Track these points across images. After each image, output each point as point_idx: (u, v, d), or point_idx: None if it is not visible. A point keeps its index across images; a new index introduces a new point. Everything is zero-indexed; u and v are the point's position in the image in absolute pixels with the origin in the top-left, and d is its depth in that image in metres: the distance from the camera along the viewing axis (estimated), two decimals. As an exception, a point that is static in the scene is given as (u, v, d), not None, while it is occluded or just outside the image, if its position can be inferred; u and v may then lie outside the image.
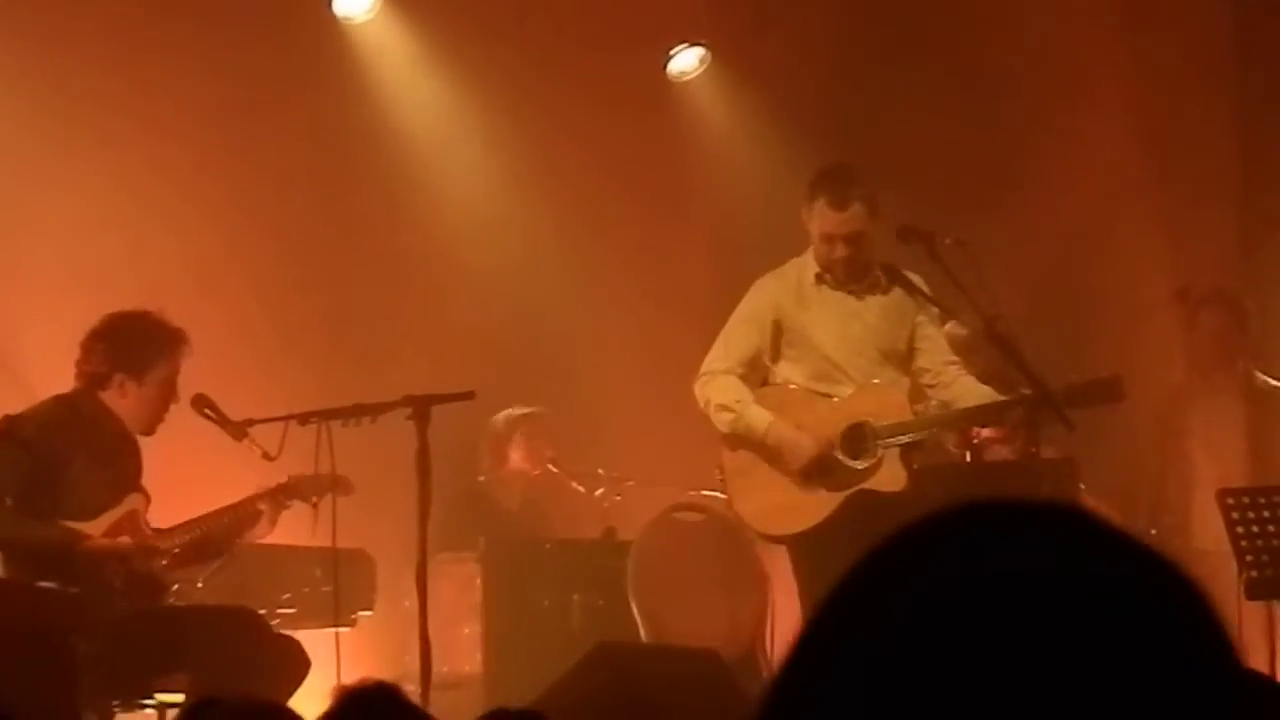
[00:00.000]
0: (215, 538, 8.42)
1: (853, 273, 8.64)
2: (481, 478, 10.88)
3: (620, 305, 11.09)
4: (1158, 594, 1.45)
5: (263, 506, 8.39)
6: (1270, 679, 3.25)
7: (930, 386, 8.67)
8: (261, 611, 8.69)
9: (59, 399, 8.29)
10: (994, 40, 11.12)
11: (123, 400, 8.28)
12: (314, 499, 8.39)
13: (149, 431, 8.37)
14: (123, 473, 8.26)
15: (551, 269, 11.28)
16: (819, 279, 8.67)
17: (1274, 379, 10.59)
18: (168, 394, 8.34)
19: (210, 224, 10.51)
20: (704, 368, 8.73)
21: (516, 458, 11.09)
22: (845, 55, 11.58)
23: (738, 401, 8.61)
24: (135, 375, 8.26)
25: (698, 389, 8.70)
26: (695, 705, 6.92)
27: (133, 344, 8.29)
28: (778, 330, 8.69)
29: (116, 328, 8.32)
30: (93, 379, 8.28)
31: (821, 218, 8.56)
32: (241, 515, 8.40)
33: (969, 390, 8.59)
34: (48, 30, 10.31)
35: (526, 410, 11.00)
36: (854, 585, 1.47)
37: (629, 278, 11.12)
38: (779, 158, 11.00)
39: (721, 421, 8.65)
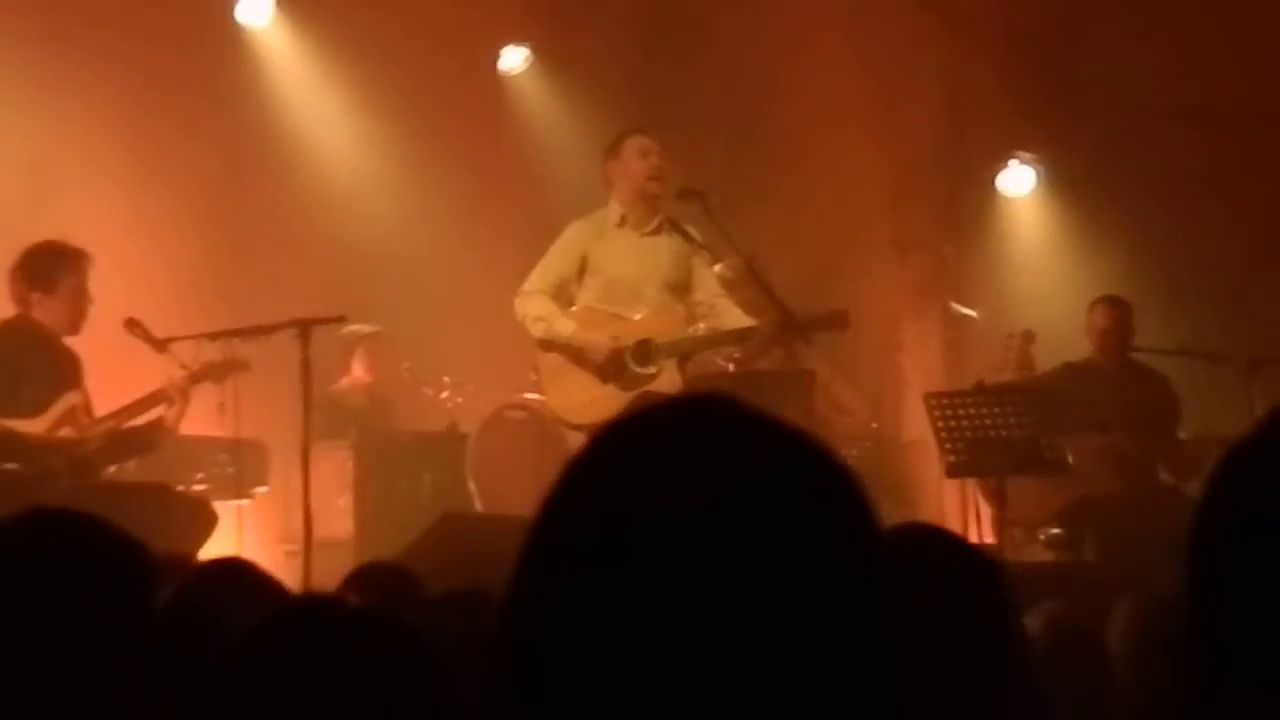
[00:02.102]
0: (141, 433, 8.36)
1: (650, 211, 8.66)
2: (331, 386, 10.63)
3: (461, 248, 11.04)
4: (805, 487, 1.37)
5: (172, 390, 8.27)
6: (952, 534, 3.30)
7: (704, 315, 8.70)
8: (180, 488, 8.69)
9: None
10: (752, 36, 11.13)
11: (44, 312, 8.16)
12: (221, 379, 8.37)
13: (73, 332, 8.22)
14: (60, 376, 8.14)
15: (408, 218, 11.20)
16: (621, 221, 8.69)
17: (966, 308, 10.76)
18: (80, 300, 8.17)
19: (142, 179, 10.35)
20: (523, 289, 8.64)
21: (359, 369, 10.91)
22: (641, 46, 11.56)
23: (550, 313, 8.59)
24: (47, 289, 8.13)
25: (517, 304, 8.61)
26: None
27: (38, 266, 8.17)
28: (583, 263, 8.69)
29: (26, 256, 8.21)
30: (20, 302, 8.18)
31: (642, 150, 8.57)
32: (155, 399, 8.29)
33: (733, 318, 8.64)
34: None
35: (368, 329, 10.80)
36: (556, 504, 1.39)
37: (473, 226, 11.06)
38: (587, 135, 10.98)
39: (536, 330, 8.59)
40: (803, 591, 1.31)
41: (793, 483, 1.36)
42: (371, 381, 10.96)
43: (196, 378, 8.30)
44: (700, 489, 1.32)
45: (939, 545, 2.99)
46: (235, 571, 3.47)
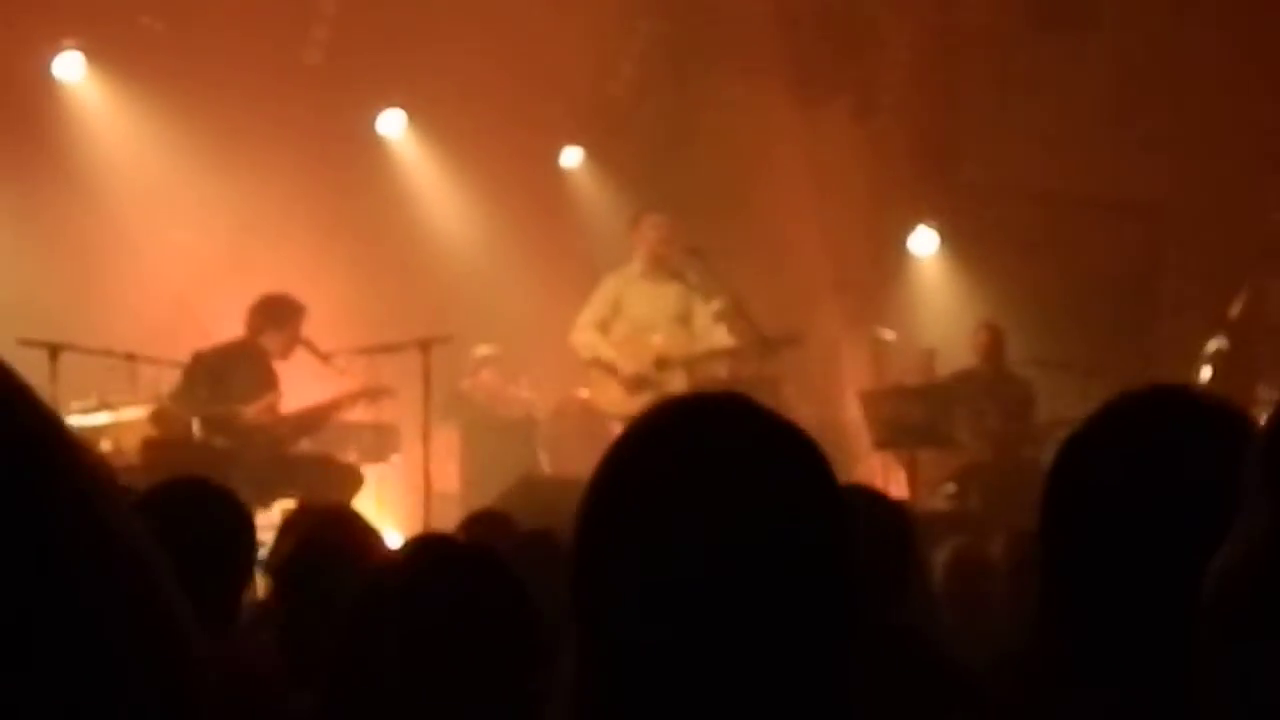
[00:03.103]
0: (320, 418, 8.35)
1: (664, 266, 8.68)
2: (463, 384, 10.59)
3: (536, 286, 10.80)
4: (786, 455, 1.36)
5: (350, 403, 8.34)
6: (876, 490, 3.30)
7: (701, 338, 8.73)
8: (338, 457, 8.70)
9: (234, 340, 8.19)
10: (734, 131, 11.03)
11: (268, 341, 8.17)
12: (373, 403, 8.42)
13: (283, 359, 8.21)
14: (266, 381, 8.17)
15: (500, 269, 10.96)
16: (641, 275, 8.73)
17: (887, 332, 10.69)
18: (295, 339, 8.20)
19: (308, 233, 10.14)
20: (576, 324, 8.79)
21: (485, 374, 10.82)
22: (656, 147, 11.46)
23: (597, 342, 8.70)
24: (278, 327, 8.14)
25: (572, 337, 8.81)
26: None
27: (277, 310, 8.16)
28: (615, 305, 8.75)
29: (269, 300, 8.20)
30: (253, 330, 8.16)
31: (654, 225, 8.62)
32: (337, 405, 8.34)
33: (720, 339, 8.69)
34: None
35: (492, 351, 10.70)
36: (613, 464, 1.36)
37: (543, 272, 10.70)
38: (621, 210, 10.87)
39: (587, 353, 8.77)
40: (799, 528, 1.30)
41: (787, 453, 1.35)
42: (491, 385, 10.85)
43: (358, 396, 8.31)
44: (718, 462, 1.31)
45: (869, 498, 3.02)
46: (347, 519, 3.48)
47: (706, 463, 1.30)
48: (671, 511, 1.28)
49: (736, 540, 1.27)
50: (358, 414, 8.74)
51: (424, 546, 2.10)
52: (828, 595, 1.30)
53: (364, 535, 3.33)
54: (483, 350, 10.65)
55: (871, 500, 3.03)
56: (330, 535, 3.22)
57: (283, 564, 3.26)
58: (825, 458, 1.39)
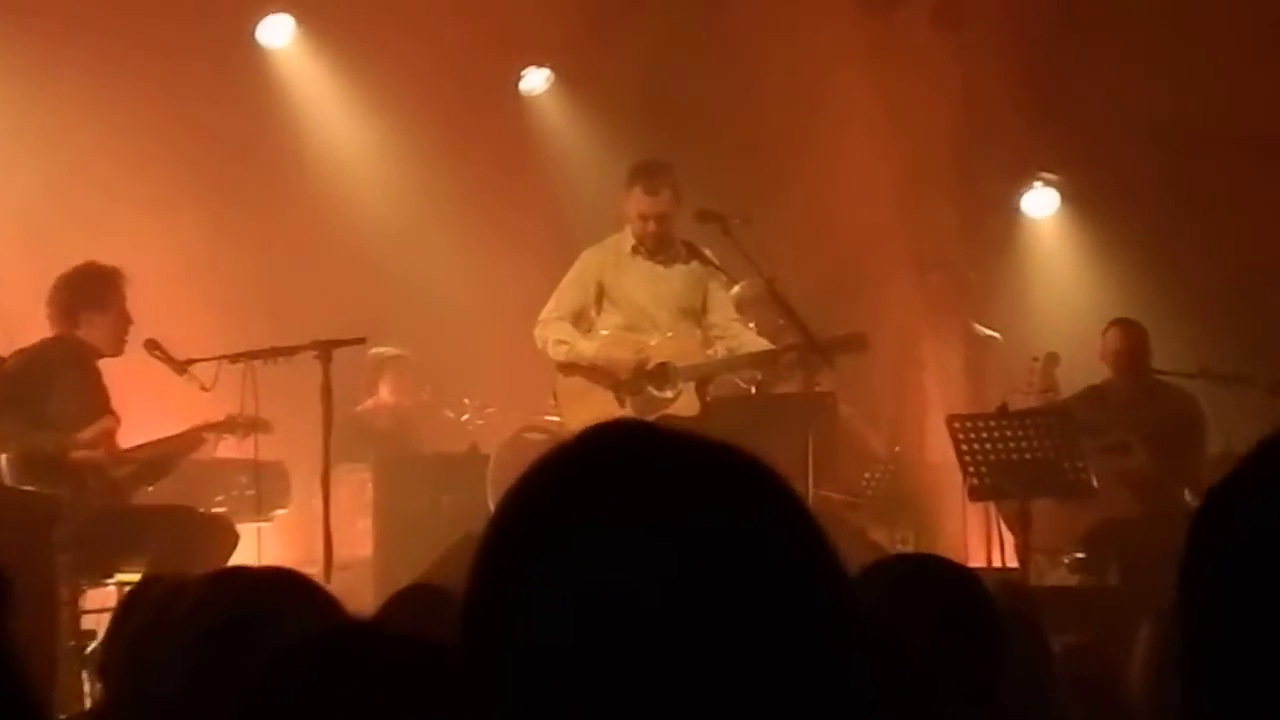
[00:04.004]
0: (167, 458, 8.45)
1: (660, 246, 8.70)
2: (358, 408, 10.73)
3: (480, 273, 11.01)
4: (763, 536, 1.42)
5: (207, 436, 8.43)
6: (956, 564, 3.31)
7: (719, 338, 8.75)
8: (201, 509, 8.70)
9: (46, 339, 8.26)
10: (768, 54, 11.11)
11: (92, 333, 8.25)
12: (244, 437, 8.45)
13: (117, 353, 8.33)
14: (96, 397, 8.23)
15: (429, 243, 11.19)
16: (634, 250, 8.73)
17: (988, 330, 10.75)
18: (125, 321, 8.32)
19: (162, 201, 10.40)
20: (541, 317, 8.77)
21: (385, 391, 11.04)
22: (663, 67, 11.57)
23: (572, 336, 8.70)
24: (101, 308, 8.24)
25: (537, 332, 8.75)
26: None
27: (91, 286, 8.26)
28: (600, 290, 8.77)
29: (76, 276, 8.30)
30: (66, 321, 8.23)
31: (637, 201, 8.62)
32: (189, 441, 8.44)
33: (748, 341, 8.70)
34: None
35: (394, 352, 10.90)
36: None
37: (494, 247, 11.00)
38: (601, 152, 11.00)
39: (559, 353, 8.68)
40: (738, 621, 1.37)
41: (725, 510, 1.41)
42: (396, 404, 11.00)
43: (220, 429, 8.39)
44: (629, 516, 1.40)
45: (942, 574, 3.05)
46: (289, 583, 3.46)
47: (628, 525, 1.39)
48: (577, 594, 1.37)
49: (668, 633, 1.36)
50: (229, 449, 8.77)
51: (327, 643, 2.07)
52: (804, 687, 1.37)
53: (245, 619, 3.33)
54: (378, 353, 10.69)
55: (954, 576, 3.05)
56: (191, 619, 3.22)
57: (120, 660, 3.26)
58: (805, 510, 1.45)
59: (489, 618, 1.42)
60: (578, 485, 1.44)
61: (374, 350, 10.19)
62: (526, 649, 1.38)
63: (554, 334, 8.71)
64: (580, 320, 8.77)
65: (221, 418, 8.41)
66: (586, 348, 8.65)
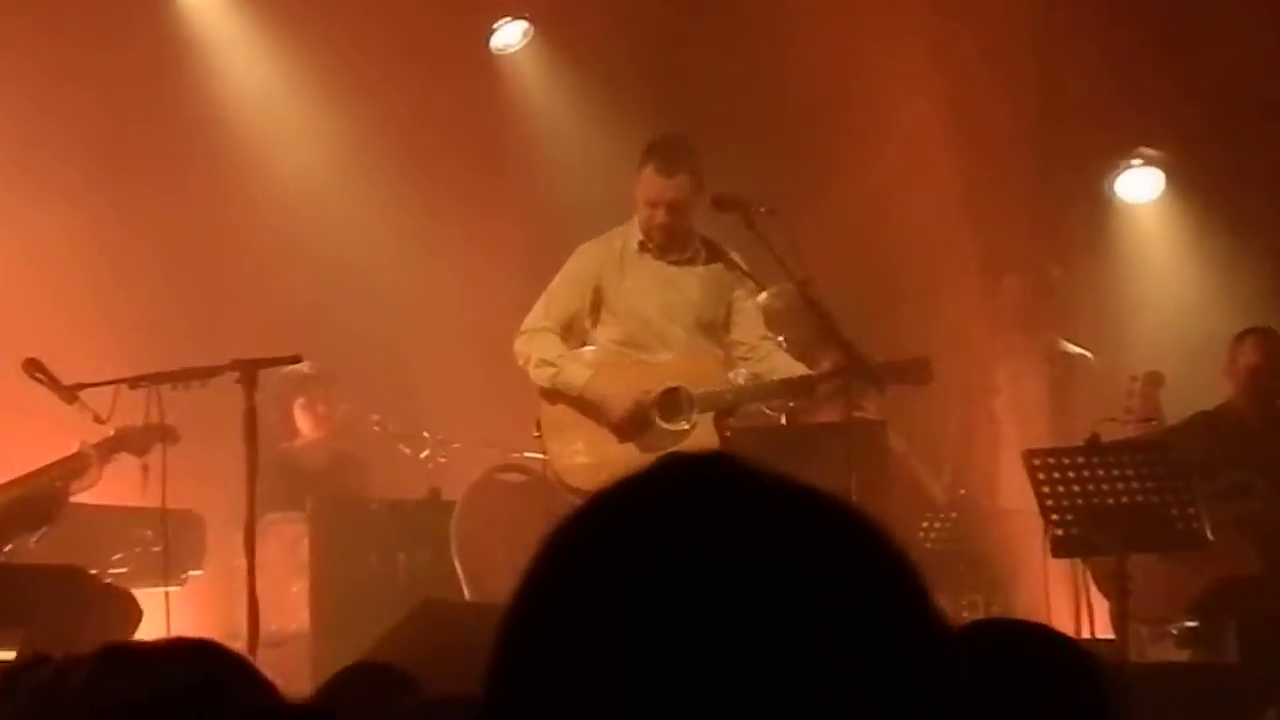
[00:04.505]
0: (45, 495, 8.38)
1: (671, 240, 8.70)
2: (283, 445, 10.76)
3: (443, 272, 11.08)
4: (855, 579, 1.48)
5: (90, 453, 8.35)
6: (1048, 631, 3.30)
7: (744, 359, 8.76)
8: (93, 572, 8.68)
9: None
10: (801, 10, 11.15)
11: None
12: (142, 452, 8.40)
13: None
14: None
15: (378, 237, 11.27)
16: (642, 247, 8.74)
17: (1075, 346, 10.75)
18: None
19: (39, 201, 10.45)
20: (524, 326, 8.79)
21: (305, 427, 11.01)
22: (660, 27, 11.60)
23: (559, 357, 8.69)
24: None
25: (518, 345, 8.76)
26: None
27: None
28: (598, 295, 8.76)
29: None
30: None
31: (648, 183, 8.63)
32: (70, 466, 8.36)
33: (781, 364, 8.72)
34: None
35: (305, 370, 10.44)
36: (552, 573, 1.53)
37: (453, 245, 11.11)
38: (597, 126, 11.02)
39: (541, 376, 8.69)
40: (814, 693, 1.39)
41: (813, 561, 1.46)
42: (324, 437, 10.94)
43: (109, 448, 8.32)
44: (696, 566, 1.44)
45: (1029, 645, 3.03)
46: (207, 658, 3.46)
47: (693, 580, 1.43)
48: (636, 659, 1.41)
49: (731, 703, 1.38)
50: (129, 491, 8.72)
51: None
52: None
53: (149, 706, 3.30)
54: (295, 371, 10.22)
55: (1042, 643, 3.04)
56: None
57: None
58: (913, 569, 1.52)
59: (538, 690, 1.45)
60: (651, 529, 1.48)
61: (292, 369, 9.90)
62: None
63: (538, 351, 8.70)
64: (571, 330, 8.78)
65: (111, 432, 8.35)
66: (576, 375, 8.65)
